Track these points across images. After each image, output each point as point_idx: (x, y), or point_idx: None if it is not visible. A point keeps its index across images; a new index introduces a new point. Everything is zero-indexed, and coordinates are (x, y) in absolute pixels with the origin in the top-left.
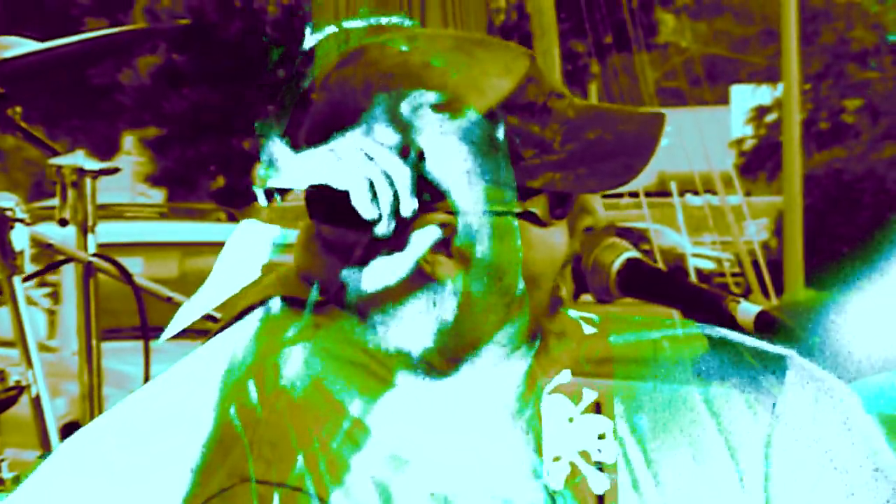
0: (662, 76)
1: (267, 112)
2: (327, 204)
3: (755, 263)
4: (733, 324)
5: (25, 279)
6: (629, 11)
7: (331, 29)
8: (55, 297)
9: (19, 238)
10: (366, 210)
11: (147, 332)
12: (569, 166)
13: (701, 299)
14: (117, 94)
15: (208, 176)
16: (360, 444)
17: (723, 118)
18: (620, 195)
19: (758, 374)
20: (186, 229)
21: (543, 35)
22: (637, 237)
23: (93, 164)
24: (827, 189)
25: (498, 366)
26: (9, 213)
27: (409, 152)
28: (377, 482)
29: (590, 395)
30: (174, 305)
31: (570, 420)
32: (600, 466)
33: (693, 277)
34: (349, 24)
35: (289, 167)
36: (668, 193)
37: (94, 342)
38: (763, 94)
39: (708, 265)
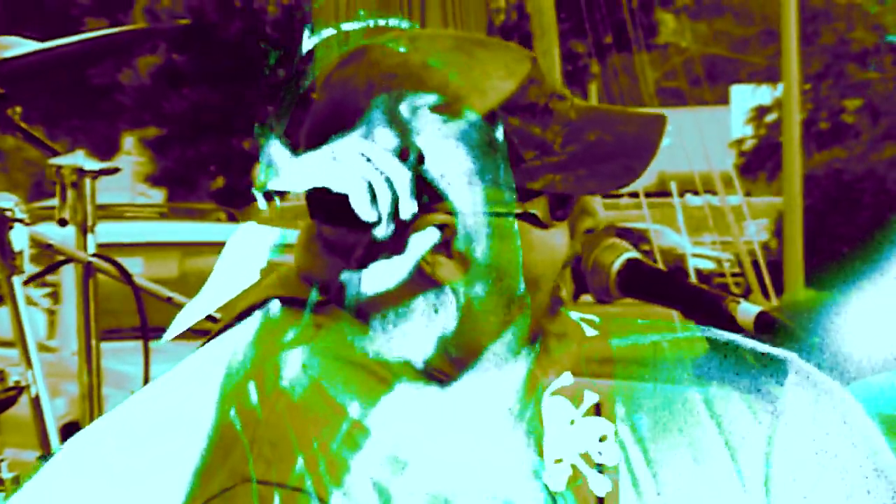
0: (662, 76)
1: (267, 112)
2: (328, 204)
3: (755, 264)
4: (733, 324)
5: (26, 282)
6: (629, 12)
7: (329, 31)
8: (55, 297)
9: (19, 238)
10: (365, 213)
11: (147, 332)
12: (569, 168)
13: (701, 300)
14: (117, 94)
15: (208, 176)
16: (359, 444)
17: (723, 118)
18: (620, 195)
19: (758, 376)
20: (186, 229)
21: (543, 35)
22: (637, 237)
23: (92, 165)
24: (827, 189)
25: (499, 368)
26: (8, 214)
27: (409, 154)
28: (377, 483)
29: (591, 398)
30: (174, 305)
31: (572, 422)
32: (601, 468)
33: (693, 278)
34: (348, 27)
35: (288, 170)
36: (668, 193)
37: (93, 342)
38: (763, 94)
39: (708, 265)
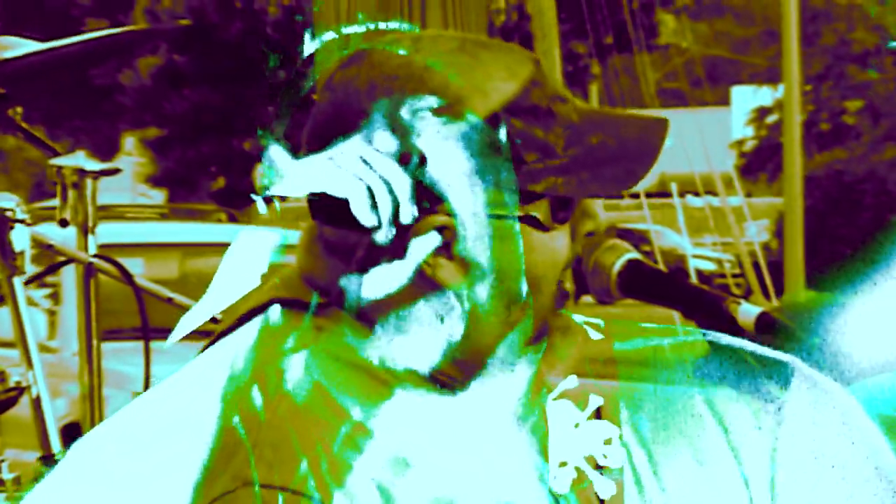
0: (663, 77)
1: (268, 113)
2: (328, 206)
3: (756, 265)
4: (734, 325)
5: (27, 282)
6: (630, 12)
7: (330, 35)
8: (55, 297)
9: (20, 238)
10: (365, 218)
11: (148, 332)
12: (571, 171)
13: (701, 300)
14: (118, 95)
15: (209, 177)
16: (362, 447)
17: (724, 119)
18: (621, 196)
19: (761, 379)
20: (187, 230)
21: (544, 36)
22: (638, 238)
23: (93, 165)
24: (828, 190)
25: (503, 371)
26: (9, 214)
27: (410, 157)
28: (380, 485)
29: (595, 401)
30: (175, 306)
31: (576, 425)
32: (605, 471)
33: (694, 278)
34: (349, 30)
35: (288, 175)
36: (668, 194)
37: (94, 343)
38: (764, 95)
39: (709, 266)
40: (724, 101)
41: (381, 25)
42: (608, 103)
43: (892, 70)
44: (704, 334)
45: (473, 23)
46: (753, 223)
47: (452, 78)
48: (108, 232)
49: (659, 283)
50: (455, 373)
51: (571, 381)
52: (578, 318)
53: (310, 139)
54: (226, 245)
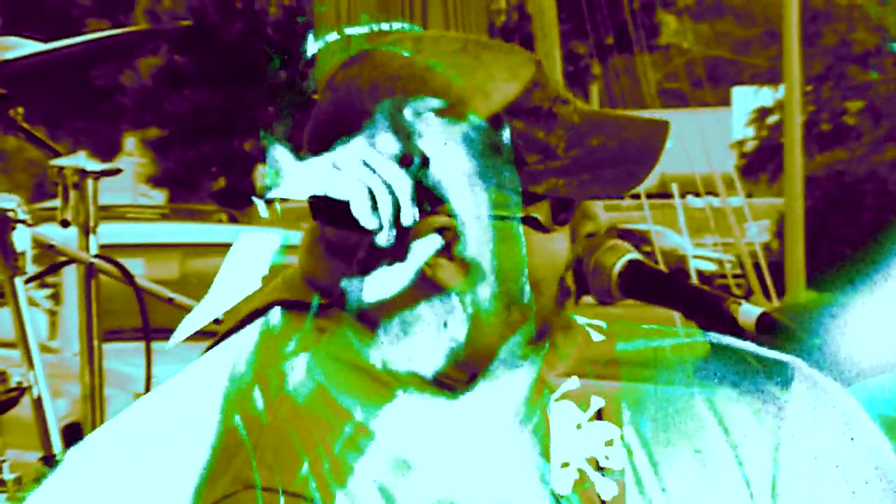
0: (664, 77)
1: (268, 113)
2: (329, 206)
3: (756, 265)
4: (735, 325)
5: (27, 281)
6: (631, 13)
7: (332, 36)
8: (56, 298)
9: (21, 239)
10: (366, 220)
11: (148, 333)
12: (572, 172)
13: (702, 301)
14: (119, 96)
15: (210, 177)
16: (363, 448)
17: (724, 120)
18: (622, 197)
19: (762, 379)
20: (188, 230)
21: (545, 36)
22: (638, 239)
23: (94, 165)
24: (828, 191)
25: (506, 372)
26: (10, 214)
27: (412, 159)
28: (381, 487)
29: (597, 402)
30: (176, 306)
31: (578, 426)
32: (607, 472)
33: (694, 279)
34: (350, 30)
35: (290, 177)
36: (669, 195)
37: (95, 343)
38: (765, 95)
39: (709, 267)
40: (725, 101)
41: (383, 26)
42: (609, 104)
43: (892, 71)
44: (705, 335)
45: (474, 23)
46: (754, 223)
47: (454, 79)
48: (109, 232)
49: (660, 284)
50: (457, 374)
51: (573, 382)
52: (581, 319)
53: (311, 139)
54: (227, 245)
